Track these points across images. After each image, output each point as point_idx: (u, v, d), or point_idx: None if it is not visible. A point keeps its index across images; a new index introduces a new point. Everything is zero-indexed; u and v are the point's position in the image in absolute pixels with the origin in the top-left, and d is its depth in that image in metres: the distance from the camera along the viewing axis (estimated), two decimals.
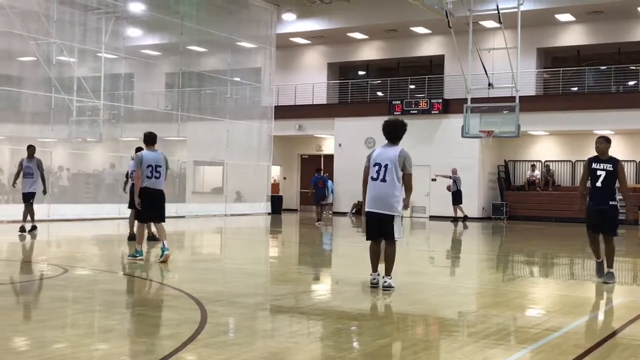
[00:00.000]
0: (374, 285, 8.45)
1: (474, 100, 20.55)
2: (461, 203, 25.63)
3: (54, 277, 9.40)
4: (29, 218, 15.91)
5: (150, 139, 11.07)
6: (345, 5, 28.19)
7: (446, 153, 26.84)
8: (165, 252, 10.73)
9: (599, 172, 9.29)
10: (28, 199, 15.76)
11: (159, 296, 8.42)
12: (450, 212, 25.95)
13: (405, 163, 8.27)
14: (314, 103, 31.14)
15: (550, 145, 28.57)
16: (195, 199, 28.80)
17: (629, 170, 26.65)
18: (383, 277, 8.46)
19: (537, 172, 28.02)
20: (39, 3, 21.82)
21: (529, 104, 23.68)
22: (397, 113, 27.78)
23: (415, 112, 27.95)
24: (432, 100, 27.92)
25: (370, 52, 31.70)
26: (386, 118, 9.11)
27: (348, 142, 29.20)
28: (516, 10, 19.52)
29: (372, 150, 8.62)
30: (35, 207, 16.19)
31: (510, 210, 27.47)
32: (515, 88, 19.73)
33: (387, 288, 8.36)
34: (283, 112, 29.76)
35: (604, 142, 9.42)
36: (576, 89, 27.88)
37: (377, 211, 8.32)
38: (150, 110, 27.16)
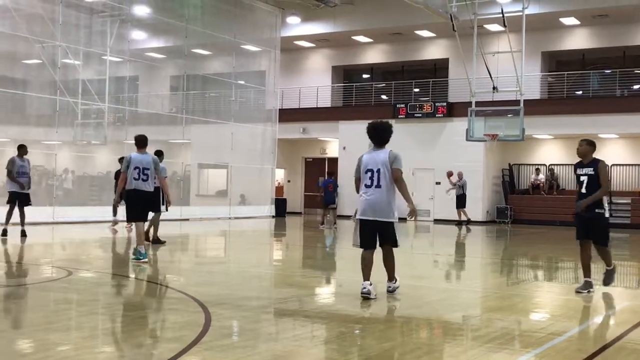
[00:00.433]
0: (365, 295, 7.92)
1: (478, 103, 20.52)
2: (465, 207, 25.63)
3: (58, 280, 9.42)
4: (18, 220, 14.86)
5: (140, 142, 11.13)
6: (349, 8, 28.20)
7: (450, 157, 26.81)
8: (142, 259, 10.84)
9: (582, 178, 8.67)
10: (26, 200, 14.84)
11: (163, 299, 8.42)
12: (454, 215, 25.92)
13: (395, 161, 8.02)
14: (318, 106, 31.15)
15: (554, 149, 28.50)
16: (199, 201, 28.86)
17: (633, 175, 26.59)
18: (387, 283, 8.36)
19: (542, 176, 27.97)
20: (44, 6, 21.87)
21: (534, 107, 23.63)
22: (402, 116, 27.83)
23: (420, 115, 27.99)
24: (436, 104, 27.91)
25: (375, 55, 31.72)
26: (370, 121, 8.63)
27: (352, 145, 29.13)
28: (521, 13, 19.54)
29: (359, 158, 8.28)
30: (40, 209, 16.00)
31: (514, 213, 27.42)
32: (519, 92, 19.68)
33: (394, 290, 8.33)
34: (287, 115, 29.81)
35: (584, 145, 8.75)
36: (581, 92, 27.80)
37: (375, 219, 8.03)
38: (155, 113, 27.23)
